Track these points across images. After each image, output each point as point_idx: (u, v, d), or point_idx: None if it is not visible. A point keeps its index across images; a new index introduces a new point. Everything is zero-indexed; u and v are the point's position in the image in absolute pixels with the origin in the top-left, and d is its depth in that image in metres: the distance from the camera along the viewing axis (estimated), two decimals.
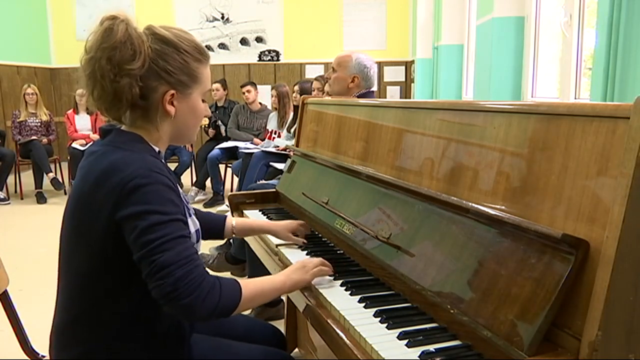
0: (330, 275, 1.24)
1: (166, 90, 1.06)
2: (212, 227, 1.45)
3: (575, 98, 3.48)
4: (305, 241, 1.52)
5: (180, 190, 1.15)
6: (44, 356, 1.35)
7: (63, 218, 1.09)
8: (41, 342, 1.34)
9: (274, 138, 4.66)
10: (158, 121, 1.09)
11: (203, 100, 1.15)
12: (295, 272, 1.18)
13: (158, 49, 1.05)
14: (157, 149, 1.10)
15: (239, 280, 1.05)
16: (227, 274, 2.96)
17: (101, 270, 1.03)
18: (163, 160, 1.11)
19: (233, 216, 1.97)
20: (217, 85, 5.53)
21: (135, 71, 1.01)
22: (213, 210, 4.69)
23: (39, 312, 1.72)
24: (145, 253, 0.94)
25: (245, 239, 1.81)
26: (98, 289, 1.04)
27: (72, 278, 1.07)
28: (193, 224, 1.14)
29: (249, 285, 1.05)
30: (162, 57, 1.05)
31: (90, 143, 5.53)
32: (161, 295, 0.94)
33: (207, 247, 3.18)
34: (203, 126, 5.52)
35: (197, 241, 1.16)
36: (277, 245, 1.53)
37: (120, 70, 1.00)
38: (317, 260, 1.23)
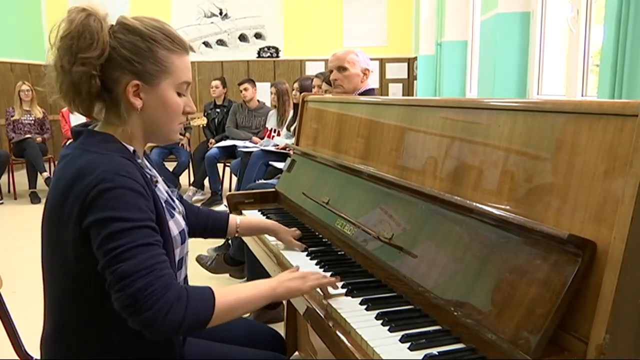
0: (336, 288, 1.18)
1: (129, 81, 1.02)
2: (215, 226, 1.45)
3: (582, 95, 3.48)
4: (305, 246, 1.50)
5: (164, 188, 1.12)
6: (37, 359, 1.35)
7: (41, 227, 1.07)
8: (35, 345, 1.34)
9: (273, 137, 4.66)
10: (125, 115, 1.05)
11: (180, 95, 1.08)
12: (292, 280, 1.11)
13: (121, 38, 1.02)
14: (131, 148, 1.07)
15: (216, 289, 0.98)
16: (225, 276, 2.96)
17: (81, 280, 1.01)
18: (140, 159, 1.09)
19: None
20: (216, 83, 5.53)
21: (92, 60, 0.99)
22: None
23: (33, 314, 1.72)
24: (105, 262, 0.91)
25: (244, 239, 1.81)
26: (81, 299, 1.02)
27: (54, 288, 1.06)
28: (176, 226, 1.11)
29: (227, 295, 0.98)
30: (124, 46, 1.01)
31: None
32: (121, 307, 0.90)
33: (204, 248, 3.18)
34: (201, 126, 5.52)
35: (182, 242, 1.13)
36: (275, 245, 1.53)
37: (77, 59, 0.98)
38: (320, 274, 1.19)
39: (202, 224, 1.41)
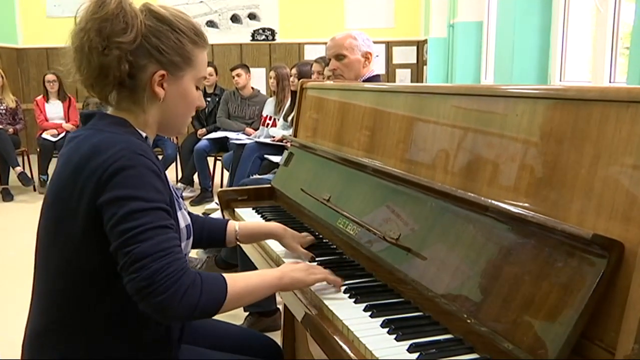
0: (338, 290, 1.21)
1: (156, 70, 1.09)
2: (211, 234, 1.43)
3: (610, 81, 3.48)
4: (312, 255, 1.44)
5: (170, 182, 1.16)
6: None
7: (41, 211, 1.11)
8: (9, 353, 1.35)
9: (268, 124, 4.65)
10: (145, 104, 1.12)
11: (197, 88, 1.17)
12: (296, 271, 1.16)
13: (151, 26, 1.08)
14: (143, 134, 1.13)
15: (226, 275, 1.06)
16: None
17: (84, 267, 1.04)
18: (150, 146, 1.13)
19: (223, 215, 1.98)
20: (209, 70, 5.49)
21: (126, 45, 1.04)
22: (201, 208, 4.70)
23: (8, 321, 1.73)
24: (120, 243, 0.96)
25: None
26: (80, 290, 1.05)
27: (52, 278, 1.08)
28: (183, 219, 1.16)
29: (237, 281, 1.06)
30: (154, 35, 1.08)
31: (63, 133, 5.54)
32: (134, 290, 0.95)
33: (194, 250, 3.19)
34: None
35: (188, 237, 1.18)
36: (276, 251, 1.53)
37: (110, 43, 1.04)
38: (326, 270, 1.22)
39: (198, 232, 1.39)
